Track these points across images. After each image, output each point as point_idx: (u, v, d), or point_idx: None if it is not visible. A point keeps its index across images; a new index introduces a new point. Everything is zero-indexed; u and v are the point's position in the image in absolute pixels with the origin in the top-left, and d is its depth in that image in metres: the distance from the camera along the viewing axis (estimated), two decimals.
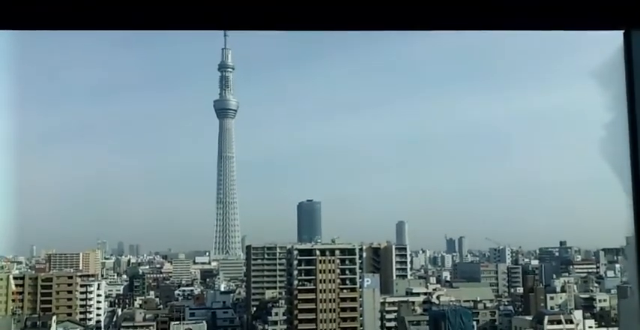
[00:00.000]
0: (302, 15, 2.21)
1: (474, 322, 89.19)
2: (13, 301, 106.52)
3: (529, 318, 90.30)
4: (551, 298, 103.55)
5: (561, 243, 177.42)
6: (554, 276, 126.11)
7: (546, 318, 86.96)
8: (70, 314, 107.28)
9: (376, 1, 2.13)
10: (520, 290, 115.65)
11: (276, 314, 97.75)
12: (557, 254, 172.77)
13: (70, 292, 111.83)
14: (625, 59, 1.64)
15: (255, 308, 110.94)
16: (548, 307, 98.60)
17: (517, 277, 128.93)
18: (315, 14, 2.21)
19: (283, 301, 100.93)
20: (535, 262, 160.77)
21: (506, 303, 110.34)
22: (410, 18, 2.22)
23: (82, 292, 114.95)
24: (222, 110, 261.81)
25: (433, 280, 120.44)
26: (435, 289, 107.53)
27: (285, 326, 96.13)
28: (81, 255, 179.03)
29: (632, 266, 1.63)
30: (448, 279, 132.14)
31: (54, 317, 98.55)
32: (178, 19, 2.25)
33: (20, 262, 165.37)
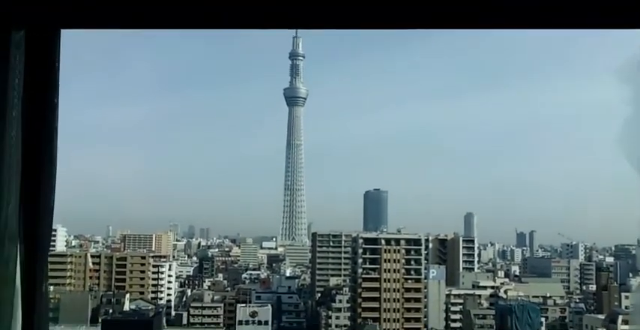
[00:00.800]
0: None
1: (543, 319, 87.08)
2: (90, 278, 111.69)
3: (601, 317, 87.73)
4: (626, 298, 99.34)
5: (639, 241, 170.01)
6: (630, 274, 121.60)
7: (620, 318, 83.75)
8: (142, 293, 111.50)
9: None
10: (593, 288, 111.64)
11: (340, 301, 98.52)
12: (634, 252, 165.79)
13: (142, 271, 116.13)
14: None
15: (319, 294, 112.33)
16: (622, 307, 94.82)
17: (590, 274, 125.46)
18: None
19: (347, 289, 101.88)
20: (610, 260, 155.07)
21: (577, 300, 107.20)
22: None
23: (154, 272, 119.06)
24: (292, 98, 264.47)
25: (501, 274, 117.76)
26: (502, 284, 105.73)
27: (348, 313, 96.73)
28: (154, 236, 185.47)
29: None
30: (517, 273, 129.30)
31: (127, 295, 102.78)
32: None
33: (97, 242, 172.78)
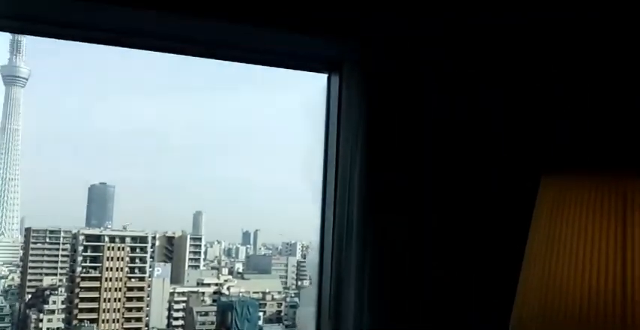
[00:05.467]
0: None
1: (261, 313, 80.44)
2: None
3: (312, 309, 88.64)
4: None
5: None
6: None
7: None
8: None
9: None
10: (307, 283, 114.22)
11: (54, 302, 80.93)
12: None
13: None
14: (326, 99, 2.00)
15: (30, 296, 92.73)
16: None
17: (305, 270, 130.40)
18: None
19: (63, 289, 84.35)
20: None
21: (292, 295, 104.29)
22: None
23: None
24: (10, 77, 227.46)
25: (225, 271, 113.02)
26: (226, 281, 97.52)
27: (63, 315, 79.86)
28: None
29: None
30: (240, 270, 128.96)
31: None
32: None
33: None
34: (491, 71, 2.18)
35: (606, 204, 1.25)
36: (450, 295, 1.93)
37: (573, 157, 2.10)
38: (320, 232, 2.00)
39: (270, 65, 2.04)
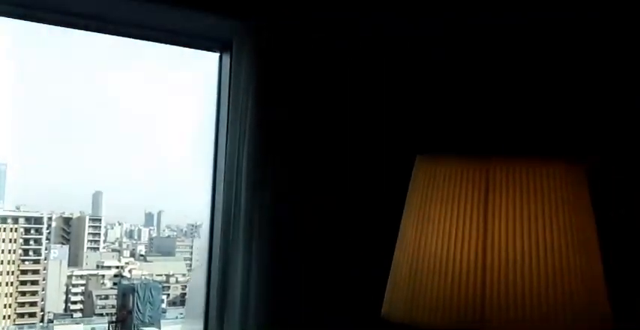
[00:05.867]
0: None
1: (165, 296, 79.25)
2: None
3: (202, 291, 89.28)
4: None
5: None
6: None
7: None
8: None
9: None
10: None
11: None
12: None
13: None
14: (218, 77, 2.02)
15: None
16: None
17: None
18: None
19: None
20: None
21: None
22: None
23: None
24: None
25: (127, 253, 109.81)
26: (127, 263, 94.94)
27: None
28: None
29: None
30: (143, 253, 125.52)
31: None
32: None
33: None
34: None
35: (471, 179, 1.37)
36: (332, 271, 2.00)
37: (449, 142, 2.22)
38: (210, 213, 2.00)
39: (162, 42, 2.01)
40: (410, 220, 1.47)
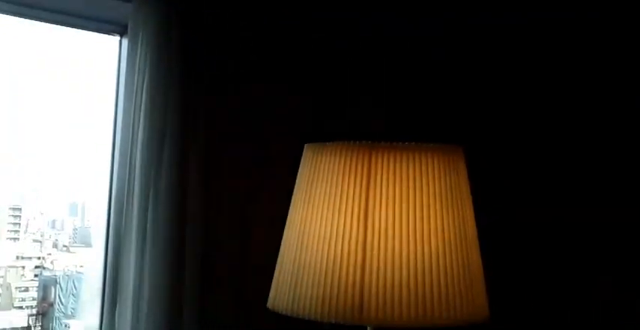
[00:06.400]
0: None
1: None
2: None
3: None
4: None
5: None
6: None
7: None
8: None
9: None
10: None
11: None
12: None
13: None
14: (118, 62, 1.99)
15: None
16: None
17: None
18: None
19: None
20: None
21: None
22: None
23: None
24: None
25: (49, 244, 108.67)
26: (50, 254, 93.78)
27: None
28: None
29: None
30: (66, 243, 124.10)
31: None
32: None
33: None
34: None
35: (354, 164, 1.43)
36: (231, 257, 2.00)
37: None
38: (108, 196, 1.99)
39: (61, 25, 1.98)
40: (296, 202, 1.51)
